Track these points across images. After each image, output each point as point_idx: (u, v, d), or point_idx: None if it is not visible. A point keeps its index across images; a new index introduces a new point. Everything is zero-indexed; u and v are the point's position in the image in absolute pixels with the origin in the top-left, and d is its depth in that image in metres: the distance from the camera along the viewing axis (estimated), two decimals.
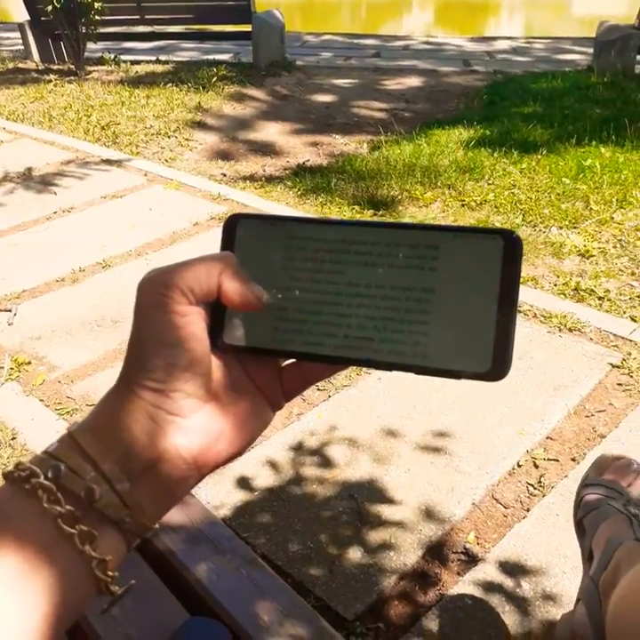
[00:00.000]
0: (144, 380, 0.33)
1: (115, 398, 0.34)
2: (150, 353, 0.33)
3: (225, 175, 4.11)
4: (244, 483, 1.71)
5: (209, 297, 0.34)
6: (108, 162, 4.15)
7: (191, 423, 0.33)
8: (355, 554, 1.50)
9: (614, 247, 2.89)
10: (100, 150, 4.40)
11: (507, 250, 0.32)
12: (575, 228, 3.08)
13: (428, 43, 8.76)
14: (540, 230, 3.08)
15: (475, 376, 0.33)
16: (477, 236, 0.33)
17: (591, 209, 3.24)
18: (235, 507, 1.64)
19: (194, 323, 0.33)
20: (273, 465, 1.77)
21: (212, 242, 2.93)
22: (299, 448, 1.83)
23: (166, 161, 4.31)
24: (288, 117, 5.25)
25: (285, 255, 0.36)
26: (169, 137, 4.71)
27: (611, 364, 2.09)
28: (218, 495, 1.67)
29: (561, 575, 1.42)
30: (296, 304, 0.36)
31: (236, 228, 0.37)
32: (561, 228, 3.09)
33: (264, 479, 1.72)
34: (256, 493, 1.68)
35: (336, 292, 0.35)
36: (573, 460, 1.74)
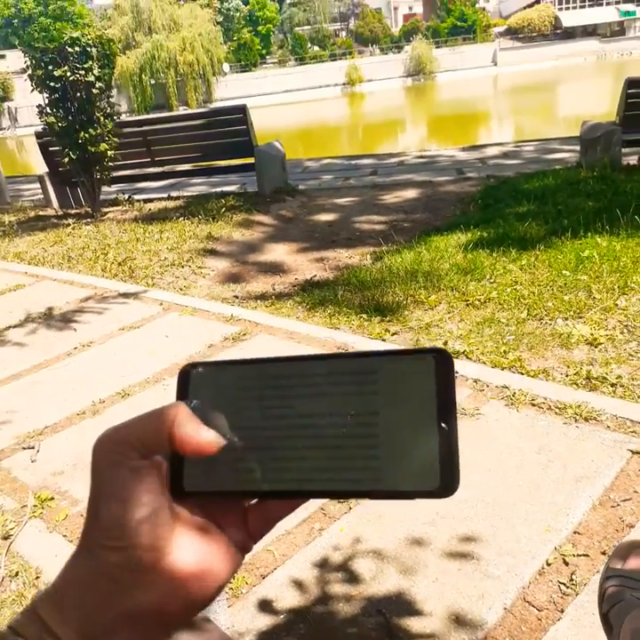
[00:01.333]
0: (101, 538, 0.33)
1: (75, 561, 0.34)
2: (105, 511, 0.33)
3: (237, 297, 4.27)
4: (267, 606, 1.67)
5: (161, 448, 0.34)
6: (125, 295, 4.34)
7: (153, 578, 0.32)
8: None
9: (622, 333, 2.92)
10: (118, 285, 4.61)
11: (438, 367, 0.34)
12: (580, 317, 3.13)
13: (421, 156, 9.27)
14: (546, 323, 3.13)
15: (426, 494, 0.33)
16: (410, 357, 0.35)
17: (594, 298, 3.30)
18: (259, 632, 1.59)
19: (146, 476, 0.33)
20: (297, 584, 1.73)
21: None
22: (323, 565, 1.80)
23: (181, 289, 4.50)
24: (294, 238, 5.50)
25: (236, 396, 0.37)
26: (182, 267, 4.93)
27: (631, 451, 2.07)
28: (242, 621, 1.63)
29: None
30: (251, 443, 0.36)
31: (189, 377, 0.39)
32: (566, 318, 3.14)
33: (289, 600, 1.68)
34: (281, 616, 1.64)
35: (287, 426, 0.36)
36: (603, 553, 1.69)
